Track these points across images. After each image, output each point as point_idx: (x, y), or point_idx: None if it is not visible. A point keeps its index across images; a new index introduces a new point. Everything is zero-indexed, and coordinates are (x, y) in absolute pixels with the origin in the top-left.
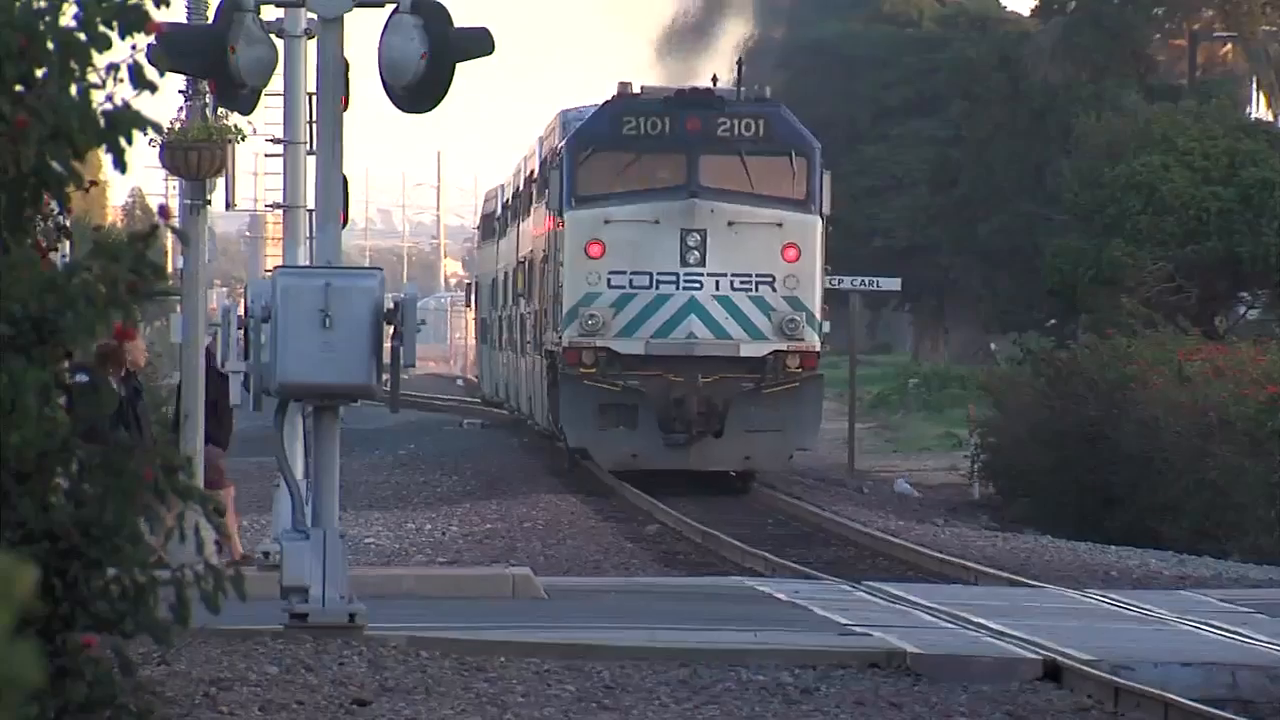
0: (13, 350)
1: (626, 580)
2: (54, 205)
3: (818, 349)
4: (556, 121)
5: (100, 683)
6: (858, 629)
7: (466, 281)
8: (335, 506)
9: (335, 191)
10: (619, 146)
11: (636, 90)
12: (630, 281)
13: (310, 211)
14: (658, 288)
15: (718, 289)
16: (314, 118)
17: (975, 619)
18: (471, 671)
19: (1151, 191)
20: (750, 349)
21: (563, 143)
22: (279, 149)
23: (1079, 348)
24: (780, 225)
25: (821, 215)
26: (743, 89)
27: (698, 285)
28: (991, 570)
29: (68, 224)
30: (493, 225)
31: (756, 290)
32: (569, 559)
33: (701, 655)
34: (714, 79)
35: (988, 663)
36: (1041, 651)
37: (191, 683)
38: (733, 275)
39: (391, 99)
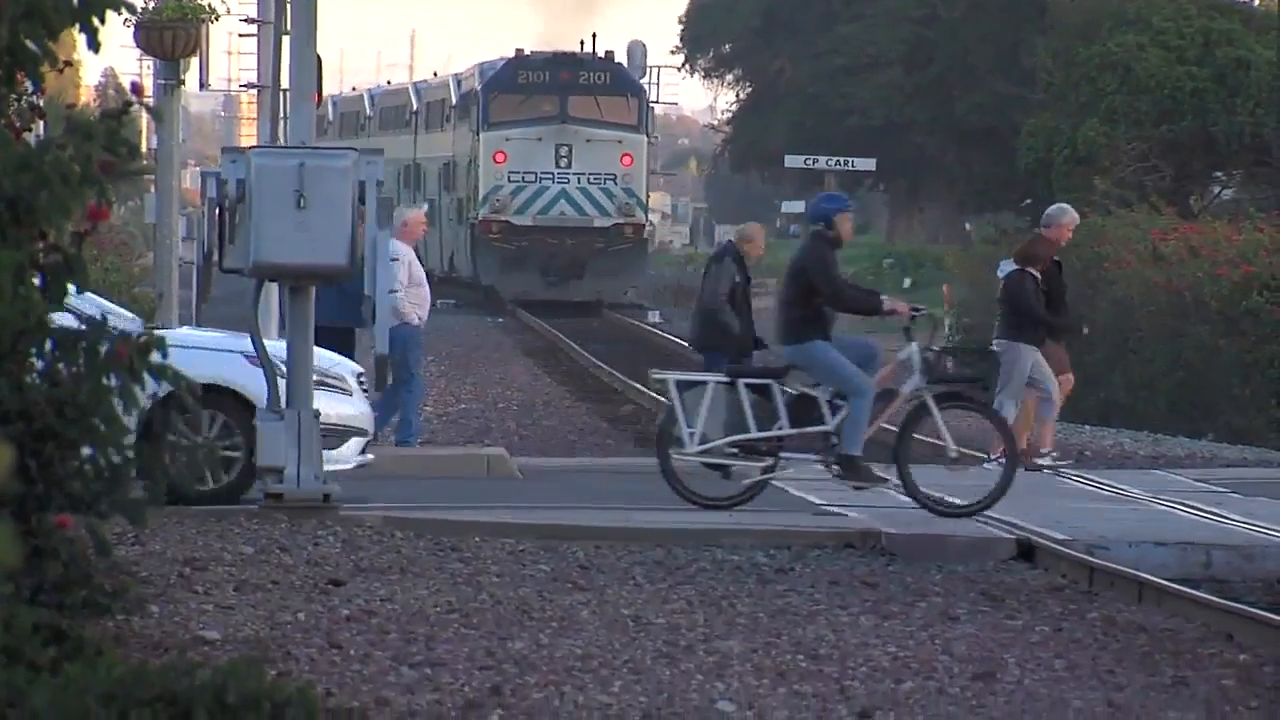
0: None
1: (601, 460)
2: (28, 84)
3: (644, 222)
4: (475, 69)
5: (75, 562)
6: (833, 509)
7: None
8: (310, 387)
9: (309, 71)
10: (516, 90)
11: (528, 53)
12: (523, 178)
13: (285, 91)
14: (540, 182)
15: (579, 183)
16: None
17: (950, 499)
18: (446, 551)
19: (1126, 71)
20: (600, 222)
21: (480, 86)
22: (253, 29)
23: None
24: (620, 142)
25: (648, 135)
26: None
27: (566, 180)
28: (966, 450)
29: (41, 103)
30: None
31: (604, 184)
32: (544, 439)
33: (676, 535)
34: (581, 44)
35: (962, 542)
36: (1016, 531)
37: (166, 563)
38: (589, 174)
39: None
